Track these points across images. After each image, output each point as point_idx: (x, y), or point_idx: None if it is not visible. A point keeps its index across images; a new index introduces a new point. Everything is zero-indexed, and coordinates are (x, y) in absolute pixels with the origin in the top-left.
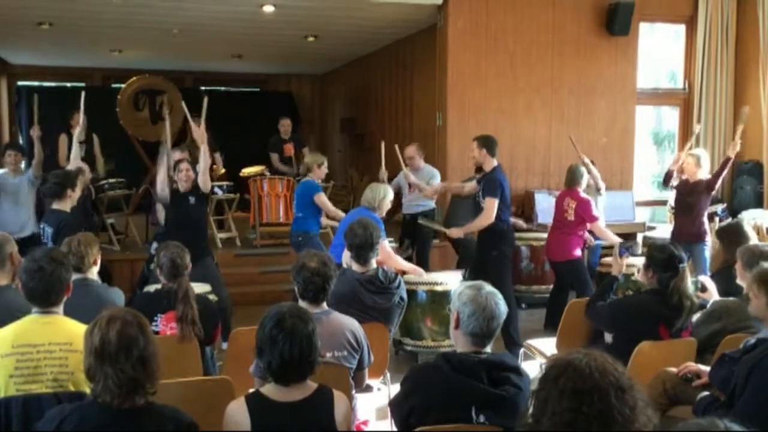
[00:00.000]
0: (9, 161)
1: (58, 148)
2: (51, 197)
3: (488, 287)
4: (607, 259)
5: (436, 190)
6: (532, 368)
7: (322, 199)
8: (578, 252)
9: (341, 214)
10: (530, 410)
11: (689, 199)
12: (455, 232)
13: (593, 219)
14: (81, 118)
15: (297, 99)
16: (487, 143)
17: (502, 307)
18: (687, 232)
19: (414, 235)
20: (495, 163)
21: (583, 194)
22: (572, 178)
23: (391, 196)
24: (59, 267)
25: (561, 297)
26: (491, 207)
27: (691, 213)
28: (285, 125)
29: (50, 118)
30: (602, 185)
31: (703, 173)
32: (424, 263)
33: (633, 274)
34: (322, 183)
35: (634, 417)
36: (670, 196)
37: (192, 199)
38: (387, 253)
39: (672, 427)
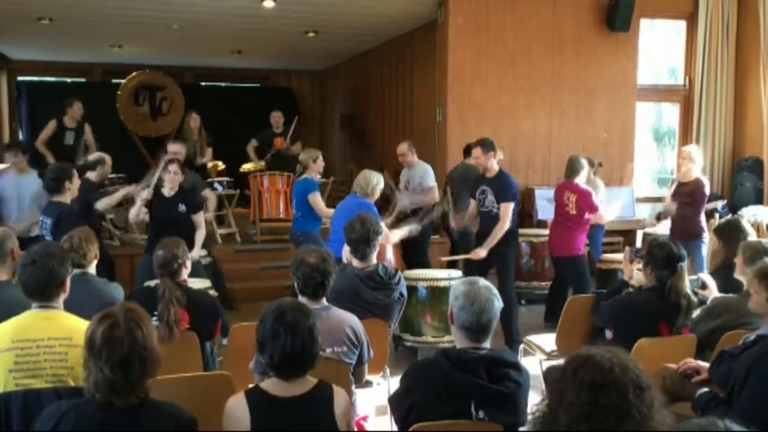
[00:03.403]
0: (15, 161)
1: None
2: (50, 192)
3: (483, 282)
4: (609, 256)
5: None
6: (532, 364)
7: (316, 199)
8: (582, 249)
9: (330, 213)
10: (546, 401)
11: (685, 198)
12: (481, 253)
13: (595, 209)
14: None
15: (297, 95)
16: (491, 146)
17: (496, 303)
18: (684, 230)
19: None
20: (497, 167)
21: (582, 185)
22: (572, 170)
23: (382, 183)
24: (51, 260)
25: (561, 291)
26: (508, 212)
27: (687, 211)
28: (276, 117)
29: (50, 113)
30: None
31: (697, 170)
32: (421, 257)
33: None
34: (322, 179)
35: (650, 416)
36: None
37: (182, 207)
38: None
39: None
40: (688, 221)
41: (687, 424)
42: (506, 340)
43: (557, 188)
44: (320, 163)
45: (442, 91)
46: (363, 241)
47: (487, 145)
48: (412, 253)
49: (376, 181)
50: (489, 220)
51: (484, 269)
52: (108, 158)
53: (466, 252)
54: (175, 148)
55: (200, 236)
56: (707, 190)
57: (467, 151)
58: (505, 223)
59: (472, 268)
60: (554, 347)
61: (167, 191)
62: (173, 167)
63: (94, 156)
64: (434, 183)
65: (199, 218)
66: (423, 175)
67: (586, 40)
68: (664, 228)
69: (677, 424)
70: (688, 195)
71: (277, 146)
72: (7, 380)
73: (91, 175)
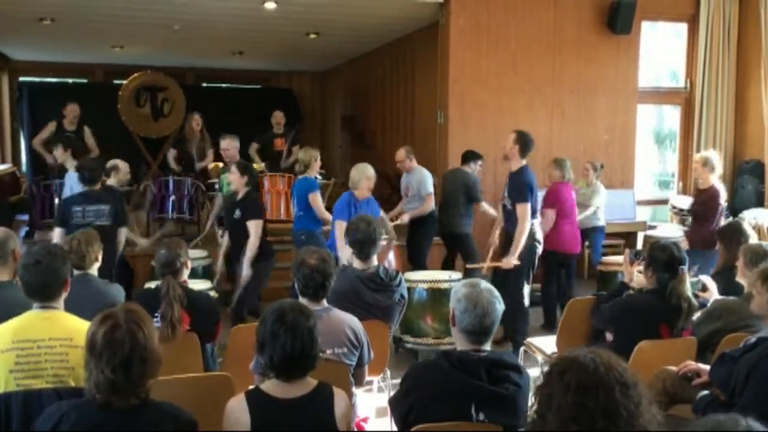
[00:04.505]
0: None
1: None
2: (92, 182)
3: (485, 284)
4: (609, 258)
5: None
6: (532, 366)
7: (316, 199)
8: None
9: (329, 218)
10: (534, 407)
11: (701, 206)
12: (511, 262)
13: None
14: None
15: (298, 96)
16: (523, 141)
17: (498, 305)
18: (701, 238)
19: (410, 234)
20: (523, 163)
21: None
22: (569, 171)
23: (368, 173)
24: (55, 259)
25: (553, 291)
26: (525, 213)
27: (704, 220)
28: (278, 117)
29: (51, 114)
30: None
31: (714, 177)
32: (421, 262)
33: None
34: (324, 180)
35: (639, 413)
36: (671, 195)
37: (237, 213)
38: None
39: (680, 426)
40: (702, 231)
41: (708, 419)
42: (512, 342)
43: (565, 188)
44: (318, 164)
45: (443, 92)
46: (369, 241)
47: (519, 137)
48: (411, 256)
49: (361, 172)
50: (506, 216)
51: (504, 272)
52: (122, 164)
53: (464, 254)
54: (224, 144)
55: (249, 245)
56: (722, 200)
57: (465, 158)
58: (524, 225)
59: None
60: (555, 349)
61: (236, 194)
62: (232, 167)
63: (109, 164)
64: (431, 190)
65: (251, 226)
66: (421, 181)
67: (587, 42)
68: (666, 230)
69: (672, 422)
70: (702, 204)
71: (277, 147)
72: (7, 380)
73: (112, 182)
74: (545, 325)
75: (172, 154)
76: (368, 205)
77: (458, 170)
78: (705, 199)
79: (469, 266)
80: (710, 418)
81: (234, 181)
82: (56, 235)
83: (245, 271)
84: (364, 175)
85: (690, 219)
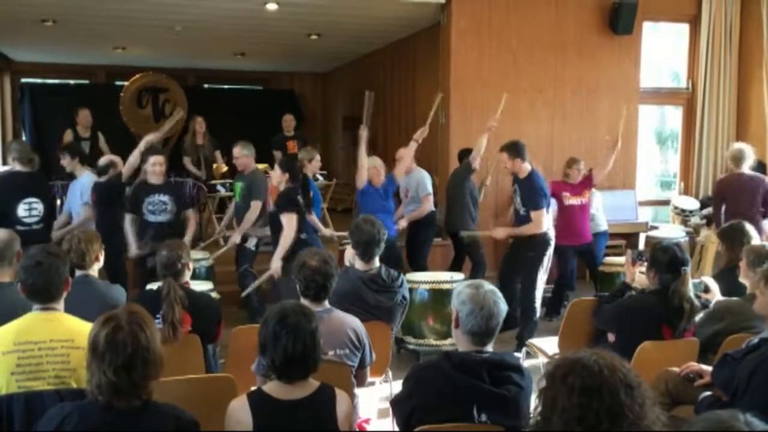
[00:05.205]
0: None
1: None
2: None
3: (488, 285)
4: (611, 259)
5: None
6: (534, 367)
7: None
8: None
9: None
10: (538, 409)
11: None
12: (501, 233)
13: None
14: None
15: (299, 97)
16: (517, 150)
17: (502, 306)
18: None
19: (410, 235)
20: (529, 168)
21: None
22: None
23: (374, 163)
24: (56, 260)
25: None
26: (539, 218)
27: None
28: (288, 121)
29: (53, 115)
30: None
31: (744, 168)
32: (420, 263)
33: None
34: (325, 180)
35: (643, 414)
36: (673, 196)
37: (272, 207)
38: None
39: (680, 426)
40: None
41: (707, 415)
42: (516, 342)
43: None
44: (315, 164)
45: (445, 93)
46: (373, 242)
47: (512, 151)
48: (411, 257)
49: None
50: (517, 220)
51: (515, 272)
52: (117, 160)
53: (474, 256)
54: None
55: (282, 241)
56: (743, 187)
57: (461, 157)
58: (536, 228)
59: (503, 272)
60: (557, 350)
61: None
62: (275, 164)
63: (103, 161)
64: (429, 191)
65: (283, 219)
66: (419, 182)
67: (588, 42)
68: (668, 231)
69: (674, 424)
70: None
71: (290, 150)
72: (9, 382)
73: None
74: (547, 313)
75: (187, 160)
76: (389, 182)
77: (456, 169)
78: None
79: (463, 233)
80: (710, 414)
81: (275, 177)
82: (192, 216)
83: (274, 263)
84: (371, 166)
85: (692, 219)
